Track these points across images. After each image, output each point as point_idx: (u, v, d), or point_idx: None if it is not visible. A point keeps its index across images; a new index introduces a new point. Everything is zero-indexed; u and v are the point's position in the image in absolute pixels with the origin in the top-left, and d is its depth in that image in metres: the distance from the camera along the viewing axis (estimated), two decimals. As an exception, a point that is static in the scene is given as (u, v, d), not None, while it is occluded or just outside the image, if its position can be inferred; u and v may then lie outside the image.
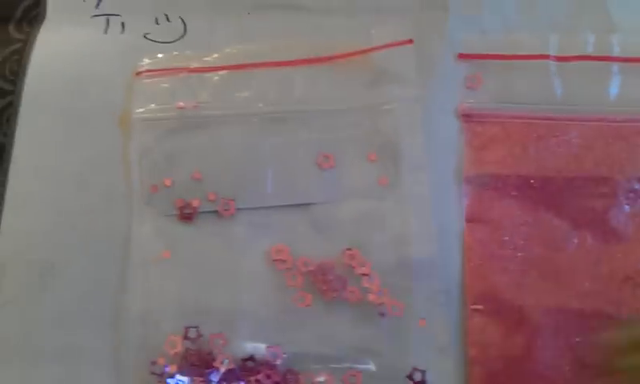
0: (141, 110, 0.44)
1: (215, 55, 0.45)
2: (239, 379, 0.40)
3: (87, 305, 0.42)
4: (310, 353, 0.40)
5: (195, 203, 0.42)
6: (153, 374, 0.40)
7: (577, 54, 0.44)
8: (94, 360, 0.41)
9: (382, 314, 0.41)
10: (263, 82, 0.44)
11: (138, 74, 0.45)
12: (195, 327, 0.41)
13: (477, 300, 0.41)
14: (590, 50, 0.44)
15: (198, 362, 0.40)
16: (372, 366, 0.40)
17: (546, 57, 0.44)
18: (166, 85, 0.44)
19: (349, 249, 0.41)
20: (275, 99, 0.44)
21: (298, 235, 0.42)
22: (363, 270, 0.41)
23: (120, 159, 0.43)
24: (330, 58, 0.44)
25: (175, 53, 0.45)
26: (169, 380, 0.40)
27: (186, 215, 0.42)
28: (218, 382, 0.40)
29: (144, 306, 0.41)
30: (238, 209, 0.42)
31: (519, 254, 0.41)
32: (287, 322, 0.41)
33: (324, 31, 0.45)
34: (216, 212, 0.42)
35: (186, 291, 0.41)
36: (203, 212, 0.42)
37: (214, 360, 0.40)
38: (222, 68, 0.44)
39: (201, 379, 0.40)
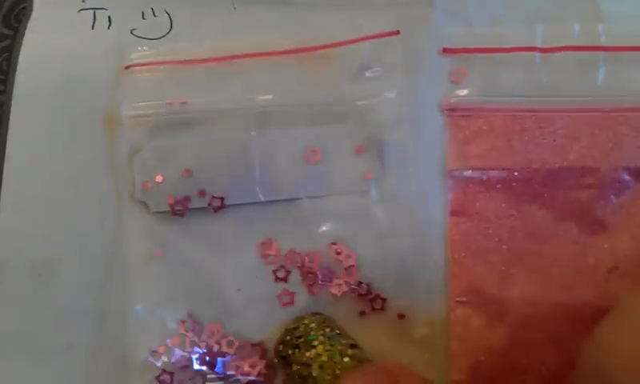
0: (129, 106, 0.44)
1: (202, 49, 0.45)
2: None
3: (84, 302, 0.42)
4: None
5: (186, 200, 0.43)
6: (151, 362, 0.42)
7: (562, 45, 0.43)
8: (93, 355, 0.42)
9: (366, 308, 0.42)
10: (251, 75, 0.44)
11: (127, 67, 0.45)
12: (191, 320, 0.42)
13: (460, 292, 0.41)
14: (575, 40, 0.44)
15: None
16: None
17: (532, 49, 0.43)
18: (153, 81, 0.44)
19: (334, 243, 0.42)
20: (263, 93, 0.44)
21: (285, 230, 0.43)
22: (350, 261, 0.42)
23: (112, 158, 0.44)
24: (316, 49, 0.44)
25: (162, 48, 0.45)
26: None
27: (178, 212, 0.43)
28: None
29: (139, 302, 0.42)
30: (229, 205, 0.43)
31: (504, 247, 0.42)
32: (276, 317, 0.42)
33: (310, 26, 0.45)
34: (205, 208, 0.43)
35: (178, 288, 0.43)
36: (193, 209, 0.43)
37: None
38: (210, 60, 0.45)
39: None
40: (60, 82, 0.45)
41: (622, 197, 0.42)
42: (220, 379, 0.41)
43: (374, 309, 0.42)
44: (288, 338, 0.38)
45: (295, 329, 0.39)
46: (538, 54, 0.44)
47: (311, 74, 0.44)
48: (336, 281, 0.42)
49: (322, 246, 0.42)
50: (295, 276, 0.42)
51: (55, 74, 0.45)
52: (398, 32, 0.44)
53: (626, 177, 0.42)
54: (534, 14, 0.44)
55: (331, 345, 0.37)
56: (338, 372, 0.35)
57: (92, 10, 0.47)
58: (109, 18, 0.46)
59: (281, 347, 0.39)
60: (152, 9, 0.46)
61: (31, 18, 0.47)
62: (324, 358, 0.36)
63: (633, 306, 0.33)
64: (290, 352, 0.38)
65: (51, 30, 0.46)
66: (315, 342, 0.37)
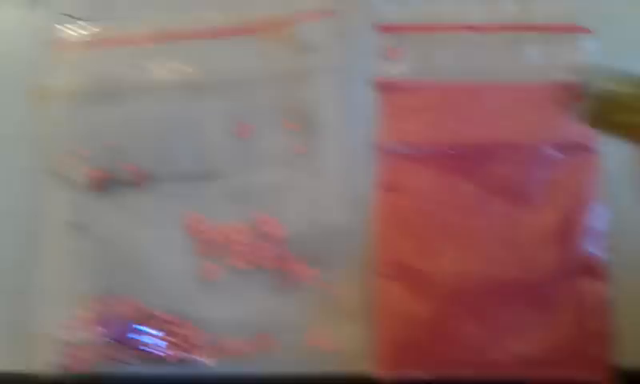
0: (56, 81, 0.43)
1: (135, 26, 0.44)
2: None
3: (2, 279, 0.42)
4: (220, 318, 0.41)
5: (110, 174, 0.42)
6: (63, 340, 0.41)
7: (497, 24, 0.44)
8: (2, 330, 0.42)
9: (293, 281, 0.42)
10: (182, 52, 0.44)
11: (55, 46, 0.44)
12: (109, 294, 0.41)
13: (387, 266, 0.41)
14: (510, 19, 0.44)
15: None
16: (282, 331, 0.41)
17: (466, 28, 0.44)
18: (81, 56, 0.44)
19: (262, 216, 0.42)
20: (194, 69, 0.43)
21: (213, 204, 0.42)
22: (278, 234, 0.42)
23: (35, 133, 0.43)
24: (251, 29, 0.44)
25: (94, 26, 0.44)
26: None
27: (101, 185, 0.42)
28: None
29: (55, 277, 0.42)
30: (154, 179, 0.42)
31: (432, 221, 0.42)
32: (200, 291, 0.42)
33: (245, 3, 0.45)
34: (131, 183, 0.42)
35: (99, 262, 0.42)
36: (118, 183, 0.42)
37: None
38: (142, 37, 0.44)
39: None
40: None
41: (548, 171, 0.43)
42: (139, 353, 0.41)
43: (301, 281, 0.42)
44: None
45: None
46: (471, 33, 0.44)
47: (244, 50, 0.44)
48: (264, 253, 0.42)
49: (250, 220, 0.42)
50: (222, 250, 0.42)
51: None
52: (332, 13, 0.44)
53: (552, 152, 0.43)
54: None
55: None
56: None
57: None
58: None
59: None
60: None
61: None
62: None
63: None
64: None
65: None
66: None
